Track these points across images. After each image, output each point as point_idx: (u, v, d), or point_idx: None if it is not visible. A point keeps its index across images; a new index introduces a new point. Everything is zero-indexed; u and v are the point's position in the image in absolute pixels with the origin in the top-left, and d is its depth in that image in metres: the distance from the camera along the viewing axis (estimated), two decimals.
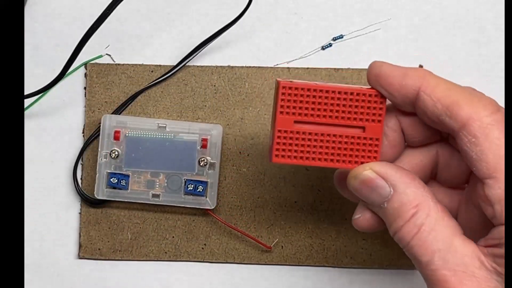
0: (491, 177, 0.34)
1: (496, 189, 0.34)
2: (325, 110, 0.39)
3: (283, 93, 0.39)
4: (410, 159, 0.40)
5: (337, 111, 0.39)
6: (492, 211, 0.34)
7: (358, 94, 0.39)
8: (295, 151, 0.39)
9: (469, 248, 0.35)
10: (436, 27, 0.51)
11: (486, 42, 0.51)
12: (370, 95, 0.39)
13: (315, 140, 0.39)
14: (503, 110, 0.36)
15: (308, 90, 0.39)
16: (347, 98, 0.39)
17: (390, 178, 0.36)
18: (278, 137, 0.39)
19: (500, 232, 0.34)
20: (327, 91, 0.39)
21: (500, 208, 0.34)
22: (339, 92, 0.39)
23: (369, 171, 0.37)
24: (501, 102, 0.50)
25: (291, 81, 0.39)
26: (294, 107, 0.39)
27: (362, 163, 0.39)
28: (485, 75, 0.51)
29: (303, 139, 0.39)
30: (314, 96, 0.39)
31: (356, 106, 0.39)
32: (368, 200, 0.37)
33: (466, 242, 0.35)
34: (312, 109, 0.39)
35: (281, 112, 0.39)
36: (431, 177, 0.41)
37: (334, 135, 0.39)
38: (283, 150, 0.39)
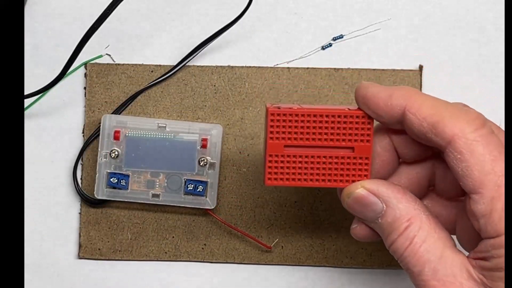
0: (476, 192, 0.35)
1: (481, 204, 0.35)
2: (313, 133, 0.40)
3: (271, 120, 0.40)
4: (408, 172, 0.41)
5: (325, 133, 0.40)
6: (478, 225, 0.35)
7: (345, 117, 0.39)
8: (287, 173, 0.40)
9: (458, 260, 0.36)
10: (436, 27, 0.51)
11: (486, 42, 0.51)
12: (357, 117, 0.39)
13: (306, 162, 0.40)
14: (490, 124, 0.37)
15: (296, 115, 0.40)
16: (335, 121, 0.40)
17: (382, 194, 0.38)
18: (270, 161, 0.40)
19: (486, 245, 0.35)
20: (314, 115, 0.40)
21: (484, 222, 0.35)
22: (327, 116, 0.40)
23: (361, 189, 0.38)
24: (501, 102, 0.51)
25: (279, 107, 0.40)
26: (283, 132, 0.40)
27: (353, 181, 0.40)
28: (485, 75, 0.51)
29: (294, 162, 0.40)
30: (302, 121, 0.40)
31: (344, 128, 0.40)
32: (363, 216, 0.39)
33: (456, 253, 0.36)
34: (301, 133, 0.40)
35: (271, 138, 0.40)
36: (428, 190, 0.42)
37: (324, 157, 0.40)
38: (275, 173, 0.40)
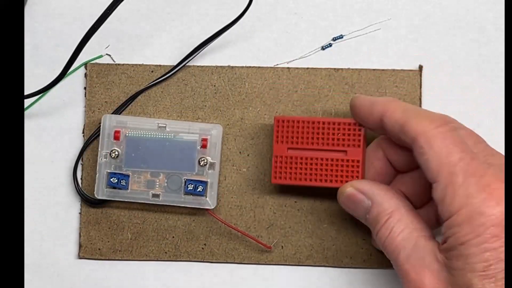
0: (435, 181, 0.39)
1: (438, 191, 0.39)
2: (312, 138, 0.46)
3: (277, 125, 0.47)
4: (405, 180, 0.46)
5: (322, 138, 0.46)
6: (438, 211, 0.39)
7: (339, 124, 0.46)
8: (290, 173, 0.47)
9: (429, 247, 0.40)
10: (436, 27, 0.51)
11: (486, 42, 0.51)
12: (349, 124, 0.46)
13: (306, 163, 0.46)
14: (455, 124, 0.41)
15: (298, 122, 0.46)
16: (330, 127, 0.46)
17: (368, 192, 0.43)
18: (275, 161, 0.47)
19: (444, 228, 0.39)
20: (313, 122, 0.46)
21: (440, 207, 0.38)
22: (323, 123, 0.46)
23: (351, 188, 0.44)
24: (501, 102, 0.51)
25: (283, 116, 0.47)
26: (287, 137, 0.47)
27: (346, 181, 0.45)
28: (485, 75, 0.51)
29: (296, 163, 0.46)
30: (303, 127, 0.46)
31: (338, 134, 0.46)
32: (356, 214, 0.44)
33: (429, 241, 0.40)
34: (302, 137, 0.46)
35: (277, 141, 0.47)
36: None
37: (321, 159, 0.46)
38: (280, 172, 0.47)
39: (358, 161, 0.45)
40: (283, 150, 0.47)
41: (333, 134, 0.46)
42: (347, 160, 0.46)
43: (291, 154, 0.46)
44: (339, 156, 0.46)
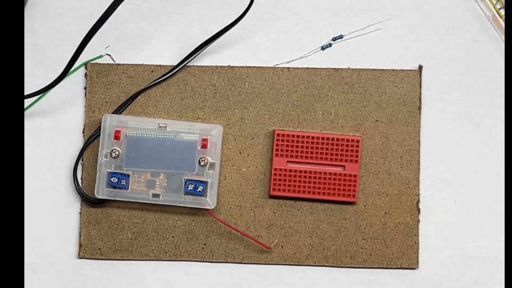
0: None
1: None
2: (311, 152, 0.49)
3: (277, 139, 0.49)
4: None
5: (321, 153, 0.49)
6: None
7: (338, 140, 0.49)
8: (289, 185, 0.49)
9: None
10: (436, 27, 0.51)
11: (486, 42, 0.51)
12: (347, 140, 0.48)
13: (305, 176, 0.49)
14: None
15: (297, 136, 0.49)
16: (329, 143, 0.49)
17: None
18: (275, 174, 0.49)
19: None
20: (313, 137, 0.49)
21: None
22: (323, 138, 0.49)
23: None
24: (501, 102, 0.51)
25: (284, 130, 0.49)
26: (287, 150, 0.49)
27: (343, 195, 0.49)
28: (485, 75, 0.51)
29: (295, 176, 0.49)
30: (302, 141, 0.49)
31: (337, 149, 0.49)
32: None
33: None
34: (302, 151, 0.49)
35: (276, 154, 0.49)
36: None
37: (320, 173, 0.48)
38: (279, 185, 0.49)
39: (355, 176, 0.48)
40: (283, 163, 0.48)
41: (332, 149, 0.48)
42: (345, 175, 0.48)
43: (290, 167, 0.48)
44: (338, 171, 0.48)
